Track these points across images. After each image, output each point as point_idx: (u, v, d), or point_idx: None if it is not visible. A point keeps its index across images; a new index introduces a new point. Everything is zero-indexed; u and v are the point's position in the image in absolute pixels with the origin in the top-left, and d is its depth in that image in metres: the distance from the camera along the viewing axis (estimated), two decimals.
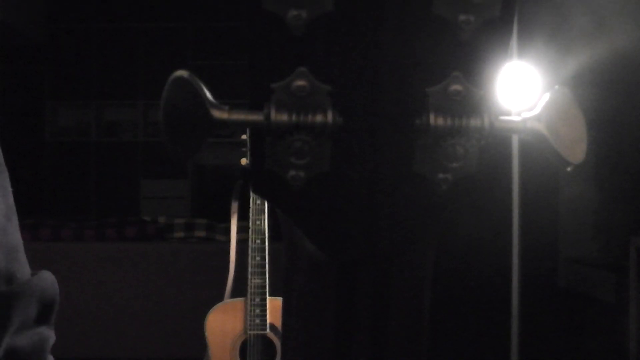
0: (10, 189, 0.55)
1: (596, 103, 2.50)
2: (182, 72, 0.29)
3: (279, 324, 1.87)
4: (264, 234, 1.89)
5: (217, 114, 0.29)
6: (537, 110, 0.31)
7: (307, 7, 0.28)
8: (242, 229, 2.15)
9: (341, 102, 0.29)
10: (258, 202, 1.89)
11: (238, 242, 2.01)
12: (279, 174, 0.30)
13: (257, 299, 1.86)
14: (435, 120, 0.29)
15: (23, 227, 0.56)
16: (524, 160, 2.34)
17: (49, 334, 0.56)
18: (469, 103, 0.30)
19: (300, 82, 0.29)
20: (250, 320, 1.87)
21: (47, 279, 0.55)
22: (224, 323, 1.90)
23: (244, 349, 1.90)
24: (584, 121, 0.31)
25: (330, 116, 0.29)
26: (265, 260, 1.88)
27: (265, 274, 1.87)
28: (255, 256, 1.88)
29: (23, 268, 0.54)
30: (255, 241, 1.88)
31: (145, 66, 5.70)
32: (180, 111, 0.29)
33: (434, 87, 0.30)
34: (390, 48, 0.29)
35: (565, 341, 2.83)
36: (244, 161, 2.02)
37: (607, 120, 2.48)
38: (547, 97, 0.31)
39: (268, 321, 1.88)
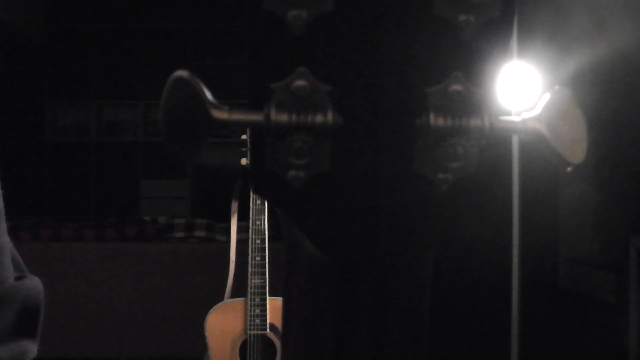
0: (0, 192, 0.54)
1: (596, 103, 2.50)
2: (182, 72, 0.29)
3: (279, 324, 1.87)
4: (264, 234, 1.89)
5: (217, 114, 0.29)
6: (537, 110, 0.31)
7: (307, 7, 0.28)
8: (242, 229, 2.15)
9: (341, 102, 0.29)
10: (258, 202, 1.89)
11: (238, 242, 2.01)
12: (279, 174, 0.30)
13: (257, 299, 1.86)
14: (436, 120, 0.29)
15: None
16: (524, 160, 2.34)
17: (30, 349, 0.53)
18: (469, 103, 0.30)
19: (300, 82, 0.29)
20: (250, 320, 1.87)
21: (31, 286, 0.52)
22: (224, 323, 1.90)
23: (244, 349, 1.90)
24: (584, 121, 0.31)
25: (330, 116, 0.29)
26: (265, 260, 1.88)
27: (265, 274, 1.87)
28: (255, 256, 1.88)
29: (7, 272, 0.52)
30: (255, 241, 1.88)
31: (145, 66, 5.70)
32: (180, 111, 0.29)
33: (434, 87, 0.30)
34: (390, 48, 0.29)
35: (565, 341, 2.83)
36: (244, 161, 2.02)
37: (607, 120, 2.48)
38: (547, 97, 0.31)
39: (268, 321, 1.88)
